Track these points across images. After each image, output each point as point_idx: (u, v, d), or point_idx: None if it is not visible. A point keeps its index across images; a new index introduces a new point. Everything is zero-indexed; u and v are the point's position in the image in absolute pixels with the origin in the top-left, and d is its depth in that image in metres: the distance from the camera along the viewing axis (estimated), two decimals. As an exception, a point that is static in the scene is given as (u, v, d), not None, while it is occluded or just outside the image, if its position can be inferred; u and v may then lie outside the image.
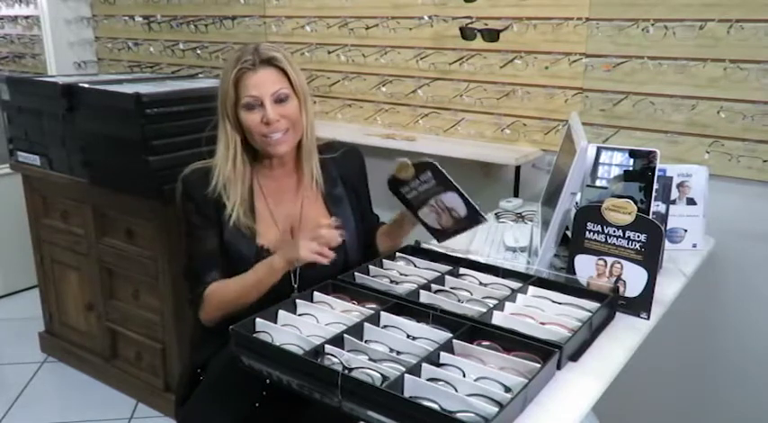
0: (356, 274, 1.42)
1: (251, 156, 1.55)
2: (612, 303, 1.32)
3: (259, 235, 1.53)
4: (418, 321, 1.22)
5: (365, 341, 1.17)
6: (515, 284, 1.37)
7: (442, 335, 1.16)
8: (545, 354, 1.09)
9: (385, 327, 1.21)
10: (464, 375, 1.06)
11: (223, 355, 1.47)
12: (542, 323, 1.23)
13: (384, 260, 1.50)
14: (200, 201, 1.52)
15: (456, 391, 1.01)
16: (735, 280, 1.96)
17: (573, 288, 1.35)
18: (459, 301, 1.31)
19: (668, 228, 1.68)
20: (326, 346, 1.12)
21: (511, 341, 1.13)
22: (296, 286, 1.51)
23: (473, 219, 1.46)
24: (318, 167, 1.59)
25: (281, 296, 1.37)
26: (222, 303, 1.48)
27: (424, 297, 1.32)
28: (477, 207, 1.44)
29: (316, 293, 1.33)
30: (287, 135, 1.49)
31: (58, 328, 2.75)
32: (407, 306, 1.26)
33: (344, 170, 1.66)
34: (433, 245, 1.55)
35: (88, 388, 2.58)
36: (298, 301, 1.30)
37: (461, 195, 1.43)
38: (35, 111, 2.45)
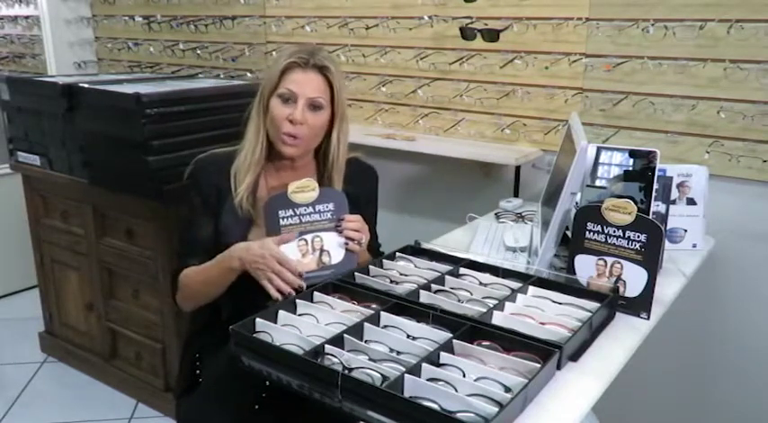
0: (356, 274, 1.42)
1: (267, 150, 1.55)
2: (612, 303, 1.32)
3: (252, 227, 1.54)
4: (418, 321, 1.21)
5: (365, 341, 1.17)
6: (515, 284, 1.37)
7: (442, 335, 1.16)
8: (545, 354, 1.09)
9: (385, 327, 1.21)
10: (464, 375, 1.06)
11: (221, 355, 1.47)
12: (542, 323, 1.22)
13: (384, 260, 1.50)
14: (206, 185, 1.54)
15: (456, 391, 1.01)
16: (735, 280, 1.96)
17: (573, 288, 1.35)
18: (459, 301, 1.31)
19: (668, 228, 1.68)
20: (326, 346, 1.12)
21: (511, 341, 1.13)
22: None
23: (344, 265, 1.31)
24: (341, 187, 1.57)
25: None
26: (188, 289, 1.53)
27: (424, 297, 1.32)
28: (355, 255, 1.31)
29: (316, 293, 1.33)
30: (300, 141, 1.49)
31: (58, 328, 2.75)
32: (407, 306, 1.26)
33: (355, 187, 1.62)
34: (434, 244, 1.54)
35: (88, 388, 2.58)
36: (298, 301, 1.30)
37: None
38: (35, 111, 2.45)
